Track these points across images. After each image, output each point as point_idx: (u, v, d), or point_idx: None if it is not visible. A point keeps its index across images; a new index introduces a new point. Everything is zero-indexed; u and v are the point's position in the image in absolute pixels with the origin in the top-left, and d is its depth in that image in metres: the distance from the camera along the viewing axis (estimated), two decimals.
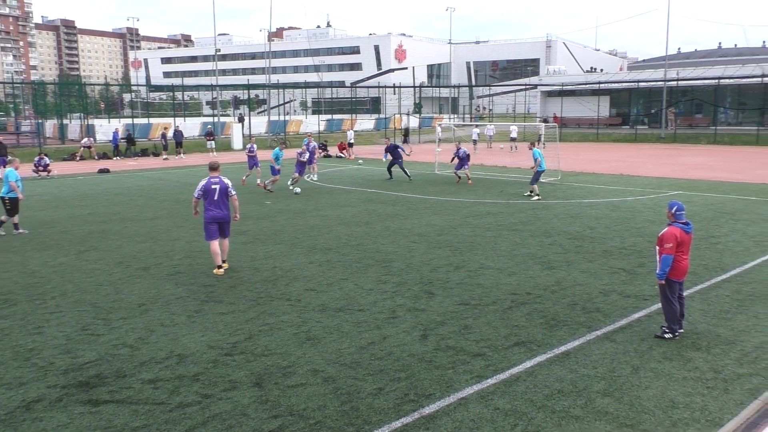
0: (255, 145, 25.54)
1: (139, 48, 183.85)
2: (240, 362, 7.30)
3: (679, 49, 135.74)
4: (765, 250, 12.56)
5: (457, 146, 24.47)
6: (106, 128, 47.38)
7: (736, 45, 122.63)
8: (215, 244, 11.22)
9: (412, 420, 5.92)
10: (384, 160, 27.03)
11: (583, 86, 63.63)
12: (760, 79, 49.81)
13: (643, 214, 16.77)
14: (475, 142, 42.41)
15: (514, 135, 43.23)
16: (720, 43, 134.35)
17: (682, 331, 7.96)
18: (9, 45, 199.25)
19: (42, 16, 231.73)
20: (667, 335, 7.85)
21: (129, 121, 51.56)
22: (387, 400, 6.30)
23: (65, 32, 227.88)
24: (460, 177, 24.41)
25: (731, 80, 53.14)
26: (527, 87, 74.58)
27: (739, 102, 57.09)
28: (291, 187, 22.57)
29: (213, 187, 11.06)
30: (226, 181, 11.23)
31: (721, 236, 13.91)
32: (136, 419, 5.99)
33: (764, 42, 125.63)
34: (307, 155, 23.55)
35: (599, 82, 60.99)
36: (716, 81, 52.60)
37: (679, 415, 5.98)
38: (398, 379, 6.79)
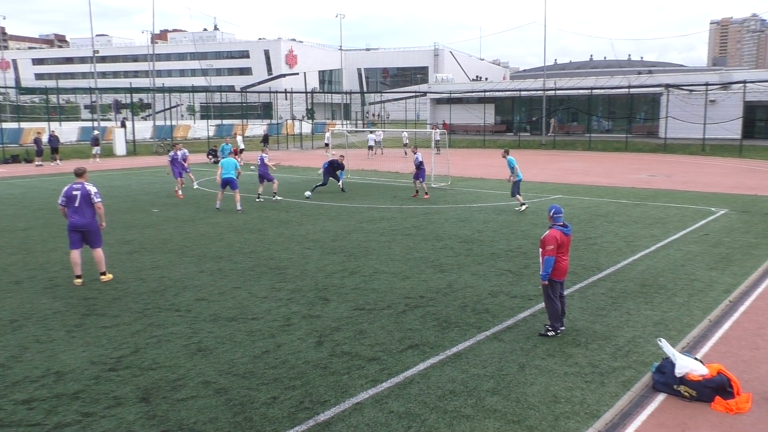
0: (186, 152, 23.25)
1: (6, 48, 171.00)
2: (125, 377, 6.95)
3: (555, 60, 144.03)
4: (635, 249, 13.52)
5: (414, 151, 22.65)
6: None
7: (605, 57, 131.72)
8: (75, 254, 10.73)
9: (307, 428, 5.88)
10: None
11: (470, 94, 65.90)
12: (626, 89, 53.62)
13: (527, 218, 17.57)
14: (370, 147, 42.86)
15: (406, 141, 44.34)
16: (591, 56, 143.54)
17: (563, 328, 8.41)
18: None
19: None
20: (550, 333, 8.27)
21: None
22: (281, 409, 6.22)
23: None
24: (417, 191, 22.17)
25: (602, 90, 56.87)
26: (417, 94, 76.28)
27: (610, 111, 61.24)
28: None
29: (74, 193, 10.58)
30: (89, 187, 10.67)
31: (597, 237, 14.83)
32: None
33: (629, 55, 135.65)
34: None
35: (485, 91, 63.36)
36: (589, 91, 56.10)
37: (561, 409, 6.30)
38: (293, 387, 6.72)
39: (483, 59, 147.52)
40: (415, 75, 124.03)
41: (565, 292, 9.74)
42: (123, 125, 51.21)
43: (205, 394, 6.55)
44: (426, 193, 22.01)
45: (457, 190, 23.99)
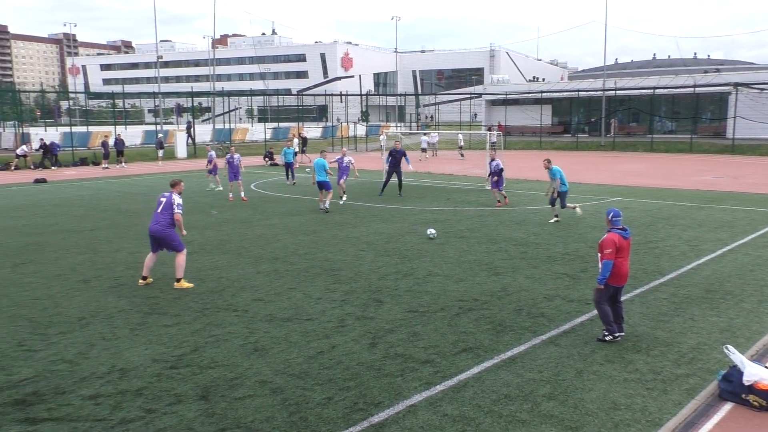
0: (236, 155, 23.32)
1: (77, 54, 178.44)
2: (185, 375, 7.14)
3: (616, 59, 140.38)
4: (700, 253, 13.07)
5: (492, 157, 20.75)
6: (42, 137, 45.75)
7: (669, 56, 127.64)
8: (149, 257, 11.12)
9: (362, 429, 5.91)
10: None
11: (526, 95, 65.06)
12: (692, 89, 51.92)
13: (585, 221, 17.21)
14: (424, 150, 42.68)
15: (461, 143, 43.92)
16: (654, 54, 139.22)
17: (623, 334, 8.19)
18: None
19: None
20: (607, 338, 8.08)
21: (67, 129, 49.95)
22: (336, 410, 6.27)
23: None
24: (499, 200, 20.36)
25: (666, 90, 55.22)
26: (472, 96, 75.75)
27: (674, 111, 59.41)
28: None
29: (161, 199, 11.06)
30: (175, 197, 10.94)
31: (659, 241, 14.41)
32: None
33: (695, 53, 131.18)
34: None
35: (541, 92, 62.45)
36: (652, 91, 54.56)
37: (620, 416, 6.14)
38: (347, 388, 6.77)
39: (540, 59, 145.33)
40: (471, 76, 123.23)
41: (625, 297, 9.59)
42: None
43: (261, 393, 6.67)
44: (505, 197, 20.50)
45: (513, 193, 23.70)
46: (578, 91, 61.14)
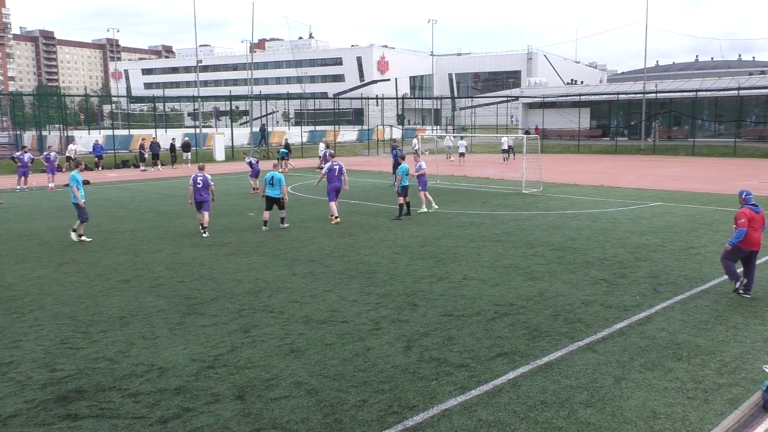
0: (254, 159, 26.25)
1: (119, 59, 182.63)
2: (222, 375, 7.23)
3: (657, 62, 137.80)
4: None
5: (415, 159, 20.30)
6: (86, 139, 46.98)
7: (712, 58, 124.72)
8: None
9: None
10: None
11: (564, 98, 64.25)
12: (736, 91, 50.65)
13: (623, 225, 16.93)
14: (462, 154, 42.20)
15: (505, 147, 42.85)
16: (697, 56, 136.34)
17: (749, 295, 10.03)
18: None
19: (20, 27, 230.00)
20: (737, 284, 10.10)
21: (109, 132, 51.14)
22: (370, 412, 6.28)
23: (44, 43, 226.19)
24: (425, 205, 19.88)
25: (708, 93, 53.97)
26: (509, 99, 75.21)
27: (717, 114, 57.99)
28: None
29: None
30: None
31: (701, 247, 14.08)
32: None
33: (740, 55, 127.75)
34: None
35: (580, 94, 61.64)
36: (694, 93, 53.39)
37: (660, 425, 6.02)
38: (382, 390, 6.77)
39: (578, 62, 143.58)
40: (507, 79, 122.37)
41: (666, 303, 9.74)
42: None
43: (297, 394, 6.71)
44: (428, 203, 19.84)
45: (549, 197, 23.45)
46: (617, 93, 60.14)
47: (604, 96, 62.55)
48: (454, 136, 47.95)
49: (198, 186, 15.75)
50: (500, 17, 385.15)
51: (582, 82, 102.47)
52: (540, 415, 6.19)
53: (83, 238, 15.48)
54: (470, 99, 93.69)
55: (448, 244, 14.71)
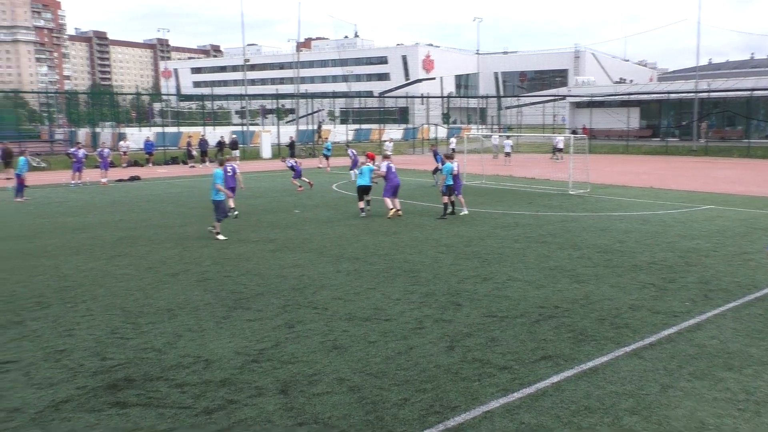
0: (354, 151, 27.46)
1: (169, 58, 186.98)
2: (266, 369, 7.34)
3: (710, 60, 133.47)
4: None
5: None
6: (137, 136, 48.20)
7: None
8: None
9: None
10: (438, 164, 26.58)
11: (613, 97, 63.03)
12: None
13: (674, 229, 16.51)
14: (508, 153, 41.68)
15: (560, 146, 42.23)
16: (753, 54, 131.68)
17: None
18: (44, 56, 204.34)
19: (75, 28, 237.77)
20: None
21: (159, 129, 52.35)
22: (412, 411, 6.28)
23: (98, 43, 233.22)
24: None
25: (765, 92, 52.18)
26: (556, 98, 74.12)
27: None
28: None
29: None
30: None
31: (754, 252, 13.63)
32: (162, 422, 6.06)
33: None
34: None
35: (629, 93, 60.42)
36: (749, 93, 51.71)
37: None
38: (424, 390, 6.77)
39: (627, 60, 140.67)
40: (554, 78, 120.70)
41: (718, 310, 9.54)
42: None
43: (339, 390, 6.76)
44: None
45: (597, 198, 23.04)
46: (668, 93, 58.71)
47: (654, 95, 61.21)
48: (499, 136, 47.51)
49: (228, 174, 17.48)
50: (546, 16, 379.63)
51: (631, 81, 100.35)
52: (584, 421, 6.10)
53: (220, 236, 15.39)
54: (516, 98, 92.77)
55: (492, 244, 14.60)
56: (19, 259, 13.29)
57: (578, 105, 66.81)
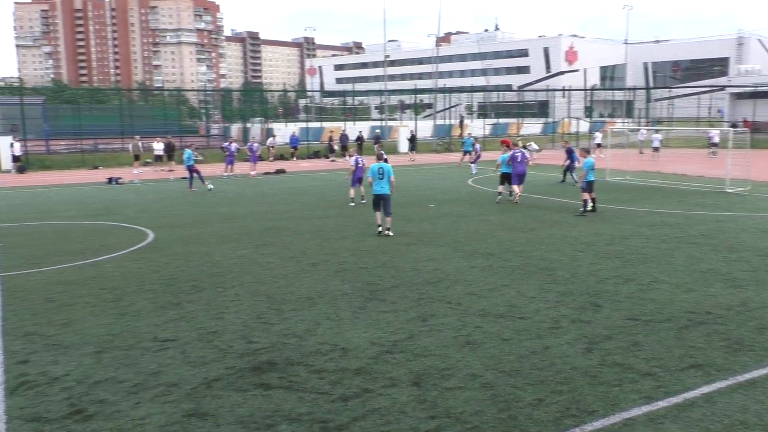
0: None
1: (314, 56, 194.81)
2: (400, 360, 7.44)
3: None
4: None
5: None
6: (283, 131, 50.67)
7: None
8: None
9: None
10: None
11: None
12: None
13: None
14: (656, 148, 39.27)
15: (715, 140, 40.00)
16: None
17: None
18: (203, 56, 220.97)
19: (231, 29, 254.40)
20: None
21: (303, 124, 54.70)
22: (547, 412, 6.11)
23: (250, 43, 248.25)
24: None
25: None
26: (714, 89, 68.70)
27: None
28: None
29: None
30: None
31: None
32: (301, 405, 6.34)
33: None
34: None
35: None
36: None
37: None
38: (559, 391, 6.55)
39: None
40: (712, 67, 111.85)
41: None
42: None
43: (471, 386, 6.72)
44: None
45: (759, 197, 21.10)
46: None
47: None
48: (647, 129, 44.88)
49: (359, 165, 20.13)
50: (701, 1, 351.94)
51: None
52: None
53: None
54: (668, 89, 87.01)
55: (636, 244, 13.83)
56: (179, 245, 14.45)
57: (739, 96, 61.52)
